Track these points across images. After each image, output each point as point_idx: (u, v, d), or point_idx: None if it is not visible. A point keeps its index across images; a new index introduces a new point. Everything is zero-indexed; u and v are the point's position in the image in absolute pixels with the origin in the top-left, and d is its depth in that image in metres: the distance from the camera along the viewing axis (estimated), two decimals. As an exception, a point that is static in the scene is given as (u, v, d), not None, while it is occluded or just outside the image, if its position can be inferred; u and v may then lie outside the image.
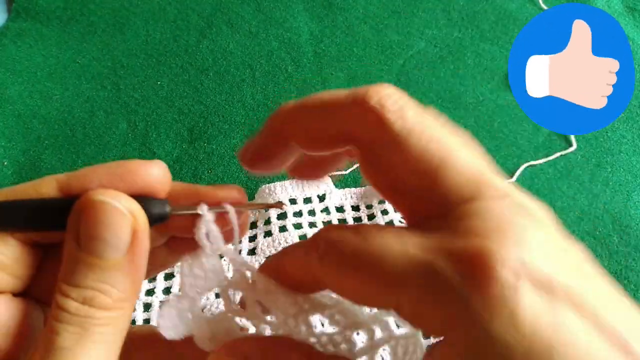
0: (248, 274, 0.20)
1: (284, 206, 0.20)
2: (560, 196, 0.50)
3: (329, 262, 0.17)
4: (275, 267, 0.20)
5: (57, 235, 0.19)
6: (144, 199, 0.19)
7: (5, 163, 0.51)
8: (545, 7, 0.67)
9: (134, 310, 0.41)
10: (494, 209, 0.15)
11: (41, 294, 0.20)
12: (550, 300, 0.14)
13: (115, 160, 0.20)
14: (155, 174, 0.20)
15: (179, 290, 0.20)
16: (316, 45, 0.62)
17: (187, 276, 0.20)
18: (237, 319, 0.20)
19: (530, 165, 0.52)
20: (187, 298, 0.20)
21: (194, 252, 0.20)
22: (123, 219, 0.18)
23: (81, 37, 0.62)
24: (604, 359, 0.13)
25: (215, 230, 0.20)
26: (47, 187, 0.19)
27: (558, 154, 0.53)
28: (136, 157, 0.52)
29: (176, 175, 0.50)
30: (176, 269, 0.43)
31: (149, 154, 0.52)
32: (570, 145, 0.54)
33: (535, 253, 0.14)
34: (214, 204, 0.21)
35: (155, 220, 0.20)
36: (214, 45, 0.62)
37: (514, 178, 0.51)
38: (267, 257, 0.21)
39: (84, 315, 0.18)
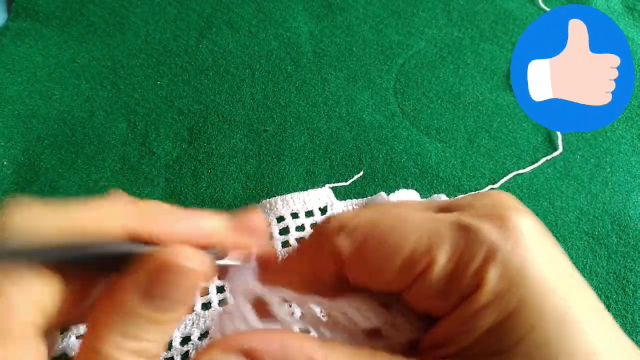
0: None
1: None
2: (559, 196, 0.50)
3: (351, 237, 0.18)
4: (289, 270, 0.20)
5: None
6: (206, 253, 0.19)
7: (5, 163, 0.51)
8: (545, 7, 0.67)
9: None
10: None
11: (59, 324, 0.19)
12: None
13: (185, 211, 0.20)
14: (222, 228, 0.20)
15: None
16: (316, 45, 0.62)
17: (225, 321, 0.20)
18: None
19: (530, 165, 0.52)
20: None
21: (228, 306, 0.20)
22: (197, 281, 0.18)
23: (81, 36, 0.62)
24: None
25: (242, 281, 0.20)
26: (113, 224, 0.18)
27: (557, 153, 0.53)
28: (136, 157, 0.52)
29: (176, 175, 0.50)
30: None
31: (148, 154, 0.52)
32: (570, 144, 0.54)
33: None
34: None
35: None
36: (213, 45, 0.62)
37: (511, 176, 0.51)
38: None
39: None
